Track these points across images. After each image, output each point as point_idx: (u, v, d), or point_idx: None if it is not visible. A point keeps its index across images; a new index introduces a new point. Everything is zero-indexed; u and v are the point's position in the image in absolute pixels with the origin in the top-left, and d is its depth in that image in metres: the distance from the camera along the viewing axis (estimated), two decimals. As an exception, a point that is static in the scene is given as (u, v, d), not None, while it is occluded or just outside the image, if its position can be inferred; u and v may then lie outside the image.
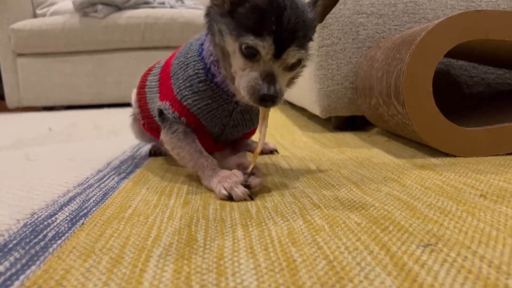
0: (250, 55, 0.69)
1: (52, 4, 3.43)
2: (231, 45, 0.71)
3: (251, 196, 0.72)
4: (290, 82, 0.79)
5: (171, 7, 3.33)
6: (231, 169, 0.79)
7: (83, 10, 3.12)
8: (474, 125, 1.03)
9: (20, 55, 3.25)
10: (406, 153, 1.08)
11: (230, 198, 0.72)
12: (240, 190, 0.71)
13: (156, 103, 0.89)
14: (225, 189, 0.72)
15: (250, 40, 0.68)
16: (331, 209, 0.64)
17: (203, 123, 0.84)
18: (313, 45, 1.48)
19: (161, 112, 0.87)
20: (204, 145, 0.85)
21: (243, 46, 0.69)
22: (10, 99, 3.31)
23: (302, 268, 0.44)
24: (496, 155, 0.99)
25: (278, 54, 0.69)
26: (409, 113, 0.98)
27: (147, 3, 3.25)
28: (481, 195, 0.68)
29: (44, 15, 3.38)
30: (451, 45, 0.98)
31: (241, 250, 0.49)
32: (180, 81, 0.83)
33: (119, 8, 3.17)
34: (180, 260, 0.47)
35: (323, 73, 1.46)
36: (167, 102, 0.85)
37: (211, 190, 0.77)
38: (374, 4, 1.41)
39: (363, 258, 0.46)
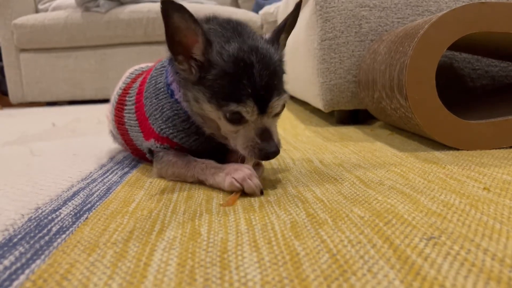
0: (237, 120, 0.70)
1: (53, -2, 3.43)
2: (213, 112, 0.71)
3: (262, 191, 0.70)
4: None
5: (173, 1, 3.32)
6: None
7: (84, 4, 3.11)
8: (478, 118, 1.03)
9: (23, 50, 3.25)
10: (409, 146, 1.08)
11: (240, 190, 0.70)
12: (253, 182, 0.69)
13: (143, 142, 0.89)
14: (237, 180, 0.69)
15: (233, 107, 0.68)
16: (334, 203, 0.64)
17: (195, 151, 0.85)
18: (315, 39, 1.48)
19: (150, 150, 0.87)
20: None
21: (228, 115, 0.69)
22: (14, 94, 3.32)
23: (306, 262, 0.44)
24: (500, 148, 0.99)
25: (263, 109, 0.69)
26: (412, 106, 0.98)
27: (149, -4, 3.25)
28: (484, 188, 0.67)
29: (46, 10, 3.38)
30: (454, 38, 0.97)
31: (245, 243, 0.49)
32: (160, 122, 0.83)
33: (121, 3, 3.16)
34: (184, 254, 0.47)
35: (325, 66, 1.46)
36: (152, 139, 0.85)
37: (217, 188, 0.74)
38: (377, -3, 1.40)
39: (367, 251, 0.46)
